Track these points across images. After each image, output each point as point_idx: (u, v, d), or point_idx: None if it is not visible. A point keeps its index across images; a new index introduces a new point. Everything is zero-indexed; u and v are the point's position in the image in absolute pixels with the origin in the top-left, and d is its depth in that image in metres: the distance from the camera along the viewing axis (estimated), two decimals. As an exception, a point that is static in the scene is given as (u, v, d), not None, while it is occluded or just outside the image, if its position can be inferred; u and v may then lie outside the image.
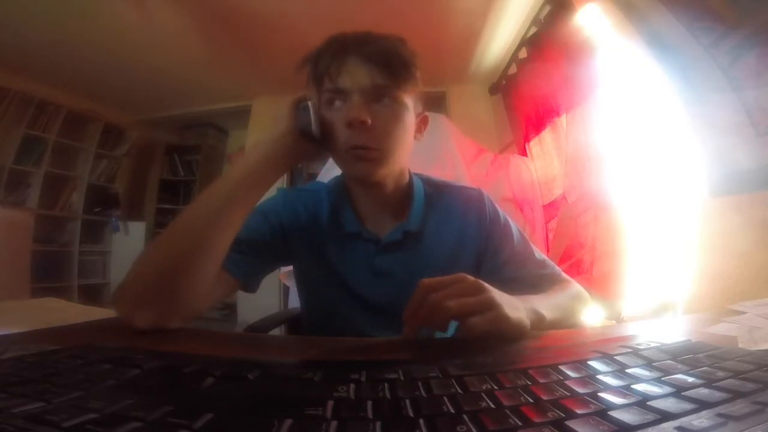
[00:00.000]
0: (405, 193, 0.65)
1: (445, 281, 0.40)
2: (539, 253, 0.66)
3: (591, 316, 0.61)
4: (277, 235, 0.62)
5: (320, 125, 0.53)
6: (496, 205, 0.69)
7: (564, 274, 0.66)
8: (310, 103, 0.52)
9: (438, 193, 0.67)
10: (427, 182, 0.69)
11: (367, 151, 0.53)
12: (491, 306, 0.38)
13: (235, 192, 0.49)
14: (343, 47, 0.54)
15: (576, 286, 0.62)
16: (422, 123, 0.63)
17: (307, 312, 0.71)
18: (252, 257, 0.58)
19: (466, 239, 0.64)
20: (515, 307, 0.41)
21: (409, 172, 0.66)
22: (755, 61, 0.89)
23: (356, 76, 0.52)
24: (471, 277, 0.40)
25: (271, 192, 0.66)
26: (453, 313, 0.37)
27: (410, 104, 0.57)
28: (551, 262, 0.66)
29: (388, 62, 0.53)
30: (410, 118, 0.57)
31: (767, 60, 0.87)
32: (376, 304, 0.61)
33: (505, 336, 0.38)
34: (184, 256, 0.46)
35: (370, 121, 0.51)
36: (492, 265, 0.64)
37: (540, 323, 0.44)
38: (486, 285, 0.40)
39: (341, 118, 0.52)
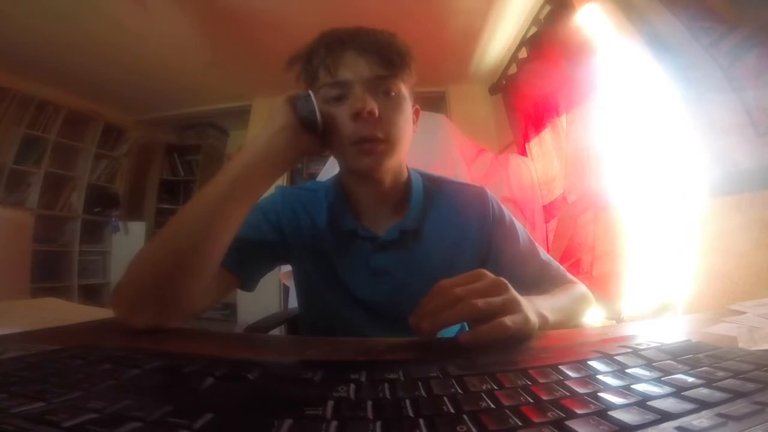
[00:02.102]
0: (403, 190, 0.63)
1: (463, 278, 0.37)
2: (545, 254, 0.65)
3: (591, 316, 0.61)
4: (276, 234, 0.61)
5: (322, 118, 0.52)
6: (501, 205, 0.67)
7: (570, 275, 0.64)
8: (311, 92, 0.51)
9: (438, 189, 0.66)
10: (426, 178, 0.67)
11: (375, 143, 0.52)
12: (516, 308, 0.37)
13: (233, 190, 0.47)
14: (338, 41, 0.53)
15: (581, 287, 0.62)
16: (416, 115, 0.63)
17: (304, 312, 0.70)
18: (251, 255, 0.57)
19: (466, 239, 0.63)
20: (531, 308, 0.39)
21: (407, 168, 0.65)
22: (755, 61, 0.89)
23: (356, 67, 0.52)
24: (491, 274, 0.38)
25: (270, 190, 0.66)
26: (481, 313, 0.34)
27: (408, 95, 0.57)
28: (557, 263, 0.65)
29: (386, 53, 0.53)
30: (410, 109, 0.58)
31: (767, 60, 0.87)
32: (373, 305, 0.61)
33: (512, 340, 0.36)
34: (182, 257, 0.44)
35: (374, 110, 0.50)
36: (495, 266, 0.62)
37: (543, 325, 0.44)
38: (507, 283, 0.38)
39: (345, 110, 0.51)
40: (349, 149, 0.53)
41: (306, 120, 0.50)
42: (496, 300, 0.36)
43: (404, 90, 0.56)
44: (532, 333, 0.39)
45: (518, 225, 0.66)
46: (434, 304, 0.36)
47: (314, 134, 0.52)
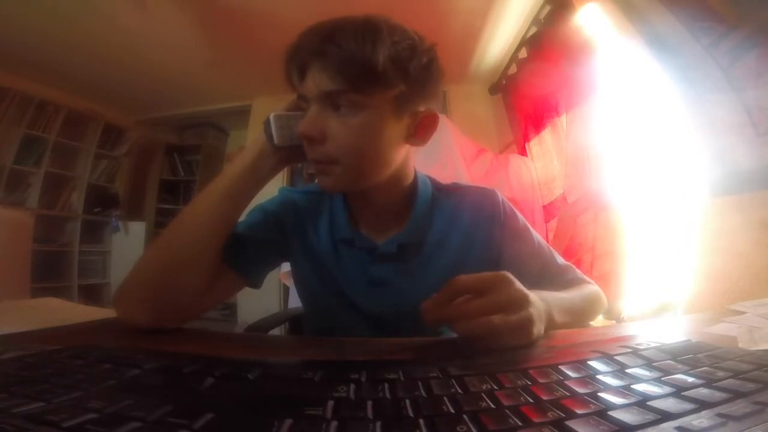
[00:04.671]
0: (406, 198, 0.61)
1: (485, 282, 0.36)
2: (561, 258, 0.63)
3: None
4: (276, 232, 0.61)
5: (291, 136, 0.51)
6: (513, 207, 0.64)
7: (587, 278, 0.62)
8: (272, 117, 0.50)
9: (446, 195, 0.64)
10: (437, 185, 0.65)
11: (326, 164, 0.50)
12: (529, 325, 0.36)
13: (228, 191, 0.52)
14: (299, 51, 0.48)
15: (594, 288, 0.60)
16: (424, 124, 0.54)
17: (307, 315, 0.70)
18: (254, 253, 0.57)
19: (474, 243, 0.60)
20: (541, 318, 0.39)
21: (415, 174, 0.62)
22: (755, 61, 0.89)
23: (309, 83, 0.47)
24: (516, 283, 0.37)
25: (273, 191, 0.66)
26: (498, 331, 0.34)
27: (384, 107, 0.48)
28: (574, 267, 0.63)
29: (344, 65, 0.45)
30: (381, 125, 0.49)
31: (767, 60, 0.87)
32: (373, 314, 0.59)
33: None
34: (177, 254, 0.48)
35: (315, 136, 0.47)
36: (507, 268, 0.60)
37: (549, 327, 0.43)
38: (529, 296, 0.37)
39: None
40: (312, 166, 0.53)
41: (271, 142, 0.52)
42: (512, 319, 0.35)
43: (372, 102, 0.47)
44: (530, 342, 0.38)
45: (531, 229, 0.64)
46: (451, 312, 0.36)
47: (289, 151, 0.53)
